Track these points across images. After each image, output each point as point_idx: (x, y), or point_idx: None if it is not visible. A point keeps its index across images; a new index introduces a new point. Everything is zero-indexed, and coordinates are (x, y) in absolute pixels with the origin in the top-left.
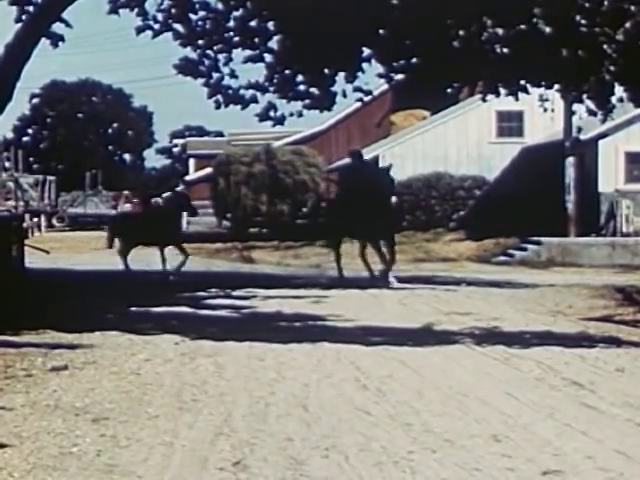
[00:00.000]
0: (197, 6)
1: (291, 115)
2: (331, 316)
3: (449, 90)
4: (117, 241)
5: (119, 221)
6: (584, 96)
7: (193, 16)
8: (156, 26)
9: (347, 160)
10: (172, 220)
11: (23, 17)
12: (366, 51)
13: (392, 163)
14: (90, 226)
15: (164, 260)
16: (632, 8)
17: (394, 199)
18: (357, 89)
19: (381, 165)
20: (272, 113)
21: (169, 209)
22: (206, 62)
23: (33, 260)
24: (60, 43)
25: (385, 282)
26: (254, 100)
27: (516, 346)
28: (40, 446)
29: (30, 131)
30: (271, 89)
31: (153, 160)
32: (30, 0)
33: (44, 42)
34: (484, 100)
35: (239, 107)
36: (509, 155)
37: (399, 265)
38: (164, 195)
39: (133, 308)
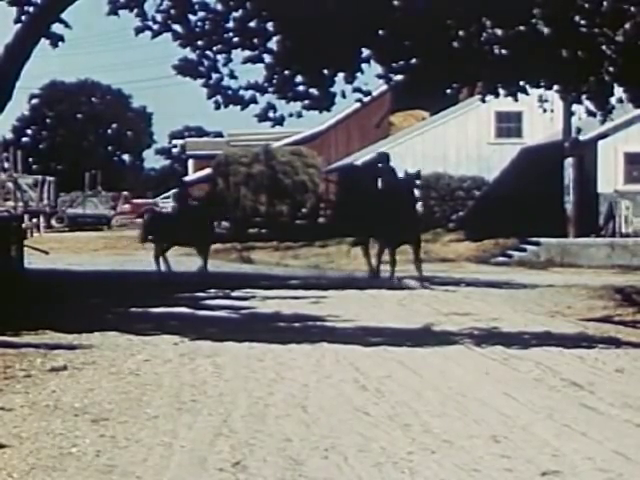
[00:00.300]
0: (196, 7)
1: (290, 116)
2: (330, 317)
3: (448, 91)
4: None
5: (153, 220)
6: (583, 97)
7: (192, 17)
8: (155, 27)
9: (375, 162)
10: (208, 220)
11: (23, 17)
12: (365, 52)
13: (420, 169)
14: (89, 227)
15: (206, 261)
16: (632, 9)
17: (419, 208)
18: (356, 90)
19: (410, 171)
20: (271, 114)
21: (204, 209)
22: (205, 63)
23: (32, 261)
24: (59, 43)
25: (407, 284)
26: (253, 101)
27: (515, 347)
28: (39, 447)
29: (29, 131)
30: (270, 90)
31: (152, 161)
32: (30, 0)
33: (44, 42)
34: (483, 101)
35: (238, 108)
36: (508, 156)
37: (398, 265)
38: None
39: (132, 309)
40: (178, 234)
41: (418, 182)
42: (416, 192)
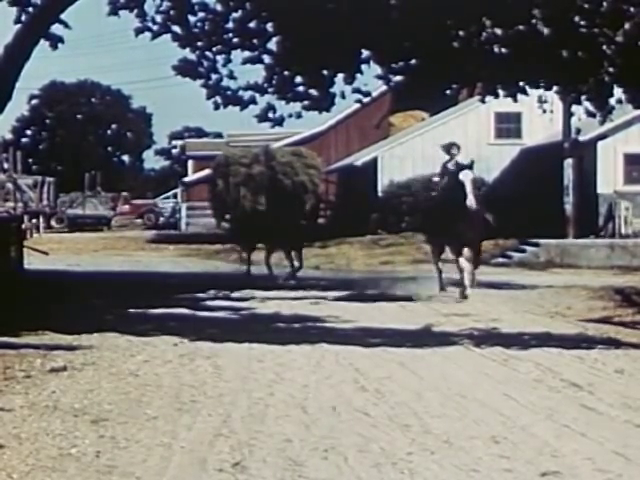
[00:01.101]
0: (196, 7)
1: (290, 116)
2: (330, 317)
3: (448, 91)
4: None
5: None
6: (583, 97)
7: (192, 17)
8: (155, 27)
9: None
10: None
11: (22, 18)
12: (365, 52)
13: (473, 160)
14: (89, 227)
15: (293, 262)
16: (631, 9)
17: (471, 201)
18: (356, 90)
19: (462, 162)
20: (271, 114)
21: (295, 203)
22: (205, 63)
23: (32, 261)
24: (59, 44)
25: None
26: (253, 101)
27: (515, 347)
28: (39, 447)
29: (29, 132)
30: (270, 90)
31: (152, 161)
32: (29, 1)
33: (44, 43)
34: (483, 101)
35: (238, 108)
36: (508, 156)
37: (397, 266)
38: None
39: (132, 309)
40: (269, 234)
41: (471, 174)
42: (468, 186)
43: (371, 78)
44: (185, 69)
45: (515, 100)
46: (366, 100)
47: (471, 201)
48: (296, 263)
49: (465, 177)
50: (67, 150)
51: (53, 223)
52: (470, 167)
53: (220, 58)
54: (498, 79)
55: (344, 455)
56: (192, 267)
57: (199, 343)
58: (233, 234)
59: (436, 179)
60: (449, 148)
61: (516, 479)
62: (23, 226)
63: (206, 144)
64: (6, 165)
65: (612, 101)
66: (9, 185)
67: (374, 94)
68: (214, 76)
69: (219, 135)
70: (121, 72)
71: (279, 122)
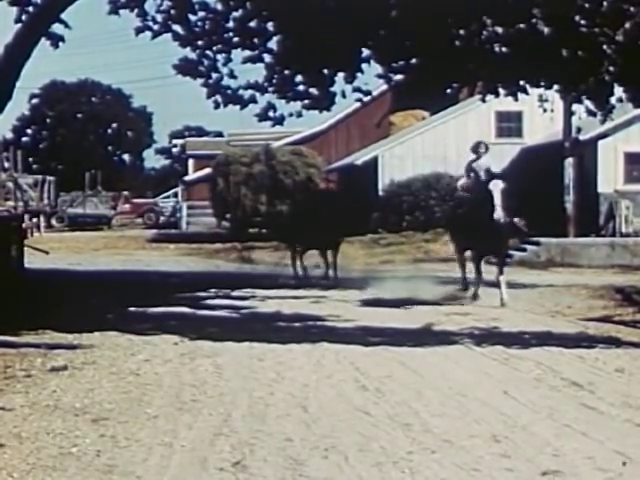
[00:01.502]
0: (196, 7)
1: (290, 115)
2: (330, 316)
3: (448, 90)
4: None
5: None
6: (583, 96)
7: (192, 17)
8: (155, 27)
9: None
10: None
11: (23, 17)
12: (365, 51)
13: (506, 170)
14: (89, 226)
15: (328, 262)
16: (632, 9)
17: (499, 215)
18: (356, 89)
19: (493, 170)
20: (271, 113)
21: (332, 209)
22: (205, 62)
23: (33, 260)
24: (60, 43)
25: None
26: (253, 100)
27: (515, 346)
28: (40, 446)
29: (29, 131)
30: (270, 89)
31: (152, 160)
32: (30, 1)
33: (44, 42)
34: (483, 100)
35: (238, 107)
36: (508, 156)
37: (398, 265)
38: None
39: (132, 308)
40: (309, 235)
41: (501, 184)
42: (497, 198)
43: (371, 77)
44: (185, 68)
45: (516, 99)
46: (366, 99)
47: (499, 214)
48: (327, 262)
49: (495, 187)
50: (68, 149)
51: (54, 222)
52: (501, 177)
53: (220, 57)
54: (499, 78)
55: (345, 454)
56: (194, 266)
57: (199, 342)
58: (281, 234)
59: (462, 181)
60: (476, 147)
61: (517, 478)
62: (24, 225)
63: (206, 143)
64: (7, 164)
65: (613, 100)
66: (10, 184)
67: (374, 93)
68: (214, 75)
69: (219, 134)
70: (122, 71)
71: (279, 121)
